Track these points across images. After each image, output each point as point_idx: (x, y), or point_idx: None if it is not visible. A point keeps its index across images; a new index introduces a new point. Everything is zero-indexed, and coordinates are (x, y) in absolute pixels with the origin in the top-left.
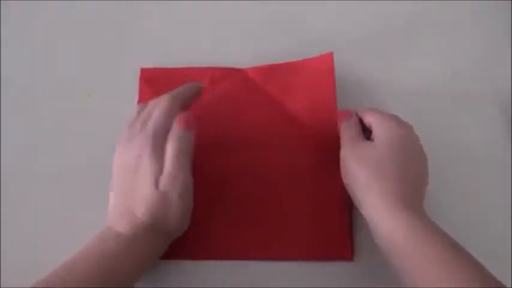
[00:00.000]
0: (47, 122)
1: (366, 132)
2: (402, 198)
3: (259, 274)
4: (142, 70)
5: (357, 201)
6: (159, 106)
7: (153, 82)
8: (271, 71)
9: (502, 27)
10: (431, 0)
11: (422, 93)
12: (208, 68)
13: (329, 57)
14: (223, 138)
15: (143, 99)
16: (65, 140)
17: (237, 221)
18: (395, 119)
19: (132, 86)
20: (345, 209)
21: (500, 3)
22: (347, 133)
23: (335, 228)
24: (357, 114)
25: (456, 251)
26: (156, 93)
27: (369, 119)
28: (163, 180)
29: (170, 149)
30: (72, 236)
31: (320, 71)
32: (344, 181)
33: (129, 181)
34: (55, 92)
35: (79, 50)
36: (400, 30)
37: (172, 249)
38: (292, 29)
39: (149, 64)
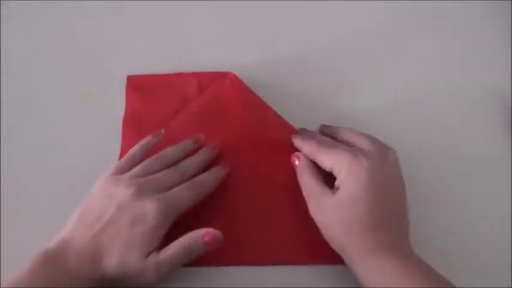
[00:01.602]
0: (46, 122)
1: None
2: (379, 248)
3: (253, 276)
4: (129, 77)
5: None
6: (188, 188)
7: (140, 89)
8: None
9: (502, 27)
10: (431, 0)
11: (421, 93)
12: (194, 73)
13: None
14: (216, 137)
15: (130, 106)
16: (65, 140)
17: (230, 227)
18: (356, 155)
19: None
20: None
21: (500, 3)
22: (303, 183)
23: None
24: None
25: None
26: (143, 100)
27: (326, 164)
28: (151, 261)
29: (179, 247)
30: None
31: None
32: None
33: (118, 228)
34: (55, 92)
35: (79, 50)
36: (400, 30)
37: None
38: (282, 33)
39: (148, 66)
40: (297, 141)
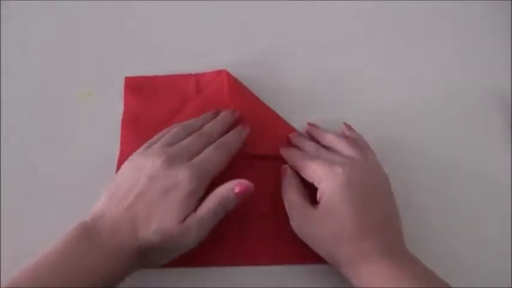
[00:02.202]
0: (46, 122)
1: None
2: (366, 256)
3: (253, 276)
4: (127, 79)
5: None
6: (216, 150)
7: (138, 90)
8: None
9: (502, 27)
10: (431, 0)
11: (421, 93)
12: (192, 75)
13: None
14: None
15: (129, 107)
16: (64, 139)
17: (227, 228)
18: (331, 166)
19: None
20: None
21: (500, 3)
22: (287, 198)
23: None
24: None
25: None
26: (141, 102)
27: (309, 177)
28: (192, 220)
29: (213, 202)
30: None
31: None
32: None
33: (152, 197)
34: (55, 92)
35: (79, 50)
36: (400, 30)
37: None
38: (279, 33)
39: (146, 67)
40: (283, 153)
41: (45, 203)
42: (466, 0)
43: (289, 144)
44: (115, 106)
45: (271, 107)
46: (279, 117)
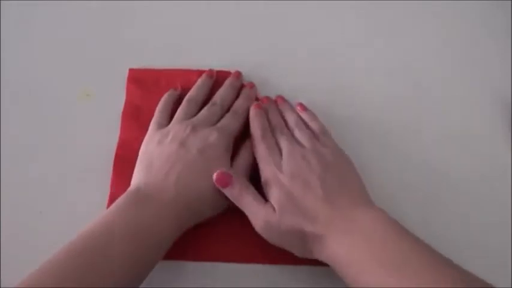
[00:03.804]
0: (46, 122)
1: None
2: (328, 233)
3: (253, 276)
4: (131, 70)
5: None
6: (234, 117)
7: (141, 83)
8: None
9: (502, 27)
10: (431, 0)
11: (421, 93)
12: (195, 70)
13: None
14: None
15: (131, 99)
16: (64, 139)
17: (231, 224)
18: (278, 176)
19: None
20: None
21: (500, 3)
22: (243, 209)
23: None
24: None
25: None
26: (144, 94)
27: (258, 160)
28: (235, 170)
29: (245, 154)
30: (72, 235)
31: None
32: None
33: (188, 158)
34: (55, 92)
35: (79, 50)
36: (400, 30)
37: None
38: (280, 33)
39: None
40: (251, 113)
41: (46, 202)
42: (466, 0)
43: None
44: (115, 103)
45: None
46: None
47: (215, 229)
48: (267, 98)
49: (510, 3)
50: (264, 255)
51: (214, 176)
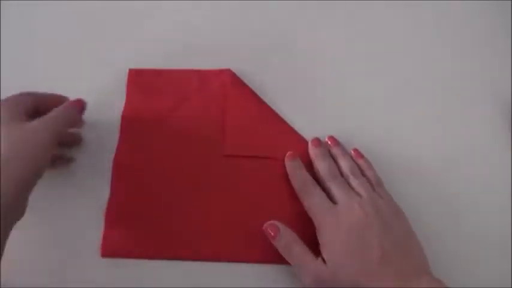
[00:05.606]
0: None
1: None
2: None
3: (252, 276)
4: (130, 71)
5: None
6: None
7: (141, 83)
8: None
9: (502, 27)
10: (431, 0)
11: (421, 93)
12: (195, 70)
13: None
14: (214, 135)
15: (131, 99)
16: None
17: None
18: (356, 201)
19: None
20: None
21: (500, 3)
22: (307, 203)
23: None
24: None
25: None
26: (144, 94)
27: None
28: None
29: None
30: (72, 236)
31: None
32: None
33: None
34: (55, 92)
35: (79, 50)
36: (400, 30)
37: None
38: (280, 33)
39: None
40: (312, 152)
41: (45, 202)
42: (466, 0)
43: (297, 147)
44: (115, 106)
45: (272, 108)
46: (281, 119)
47: (215, 229)
48: (317, 139)
49: (510, 3)
50: (264, 255)
51: (264, 227)
